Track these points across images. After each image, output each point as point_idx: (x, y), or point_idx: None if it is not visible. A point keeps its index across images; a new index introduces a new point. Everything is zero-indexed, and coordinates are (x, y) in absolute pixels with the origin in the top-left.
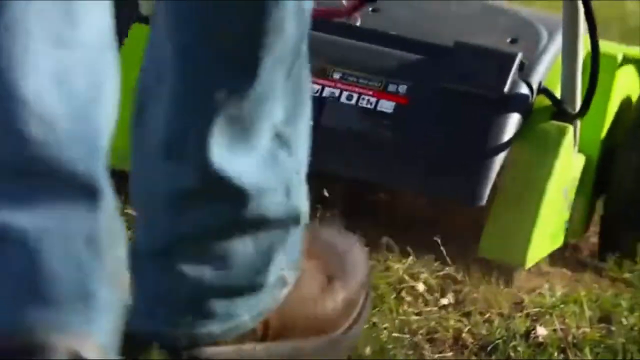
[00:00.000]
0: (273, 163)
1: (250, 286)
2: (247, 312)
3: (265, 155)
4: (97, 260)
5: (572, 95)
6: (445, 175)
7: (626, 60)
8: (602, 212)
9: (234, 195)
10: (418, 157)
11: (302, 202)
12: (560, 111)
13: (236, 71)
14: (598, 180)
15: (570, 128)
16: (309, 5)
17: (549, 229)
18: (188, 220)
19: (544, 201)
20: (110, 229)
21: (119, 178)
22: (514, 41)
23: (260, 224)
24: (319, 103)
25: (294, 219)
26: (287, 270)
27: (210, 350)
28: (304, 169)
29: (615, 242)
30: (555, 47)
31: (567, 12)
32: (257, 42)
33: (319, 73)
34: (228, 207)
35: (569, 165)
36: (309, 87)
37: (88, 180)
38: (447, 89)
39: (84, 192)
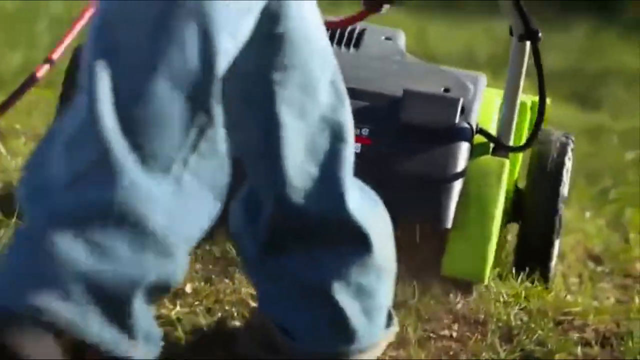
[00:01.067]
0: (171, 194)
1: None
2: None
3: (167, 184)
4: None
5: (508, 133)
6: (413, 203)
7: (533, 105)
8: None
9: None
10: (387, 189)
11: (179, 252)
12: (498, 147)
13: None
14: (512, 210)
15: (507, 162)
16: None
17: (494, 248)
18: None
19: (494, 225)
20: None
21: None
22: (447, 90)
23: (137, 230)
24: None
25: (166, 258)
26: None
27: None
28: (197, 227)
29: (527, 258)
30: (479, 96)
31: (515, 61)
32: None
33: None
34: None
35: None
36: None
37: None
38: (403, 126)
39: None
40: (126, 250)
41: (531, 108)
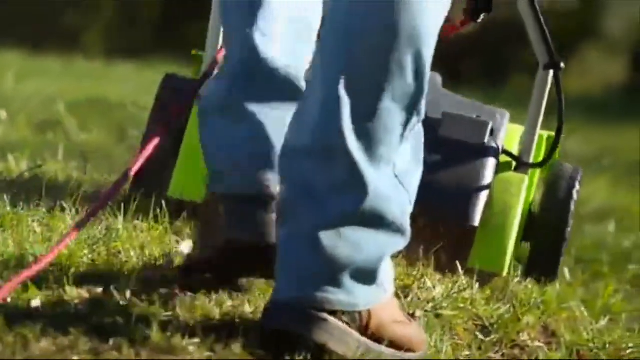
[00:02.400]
0: (396, 186)
1: (369, 274)
2: (361, 296)
3: (392, 179)
4: None
5: (529, 153)
6: (448, 204)
7: (548, 139)
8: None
9: (365, 190)
10: (427, 193)
11: (407, 228)
12: (520, 165)
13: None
14: (526, 230)
15: (526, 177)
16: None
17: (513, 247)
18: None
19: (514, 227)
20: None
21: None
22: (478, 117)
23: (380, 220)
24: None
25: (402, 234)
26: (386, 281)
27: (330, 317)
28: (411, 208)
29: (537, 267)
30: (504, 125)
31: (539, 88)
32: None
33: None
34: (359, 200)
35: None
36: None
37: None
38: (442, 141)
39: None
40: (371, 239)
41: (546, 140)
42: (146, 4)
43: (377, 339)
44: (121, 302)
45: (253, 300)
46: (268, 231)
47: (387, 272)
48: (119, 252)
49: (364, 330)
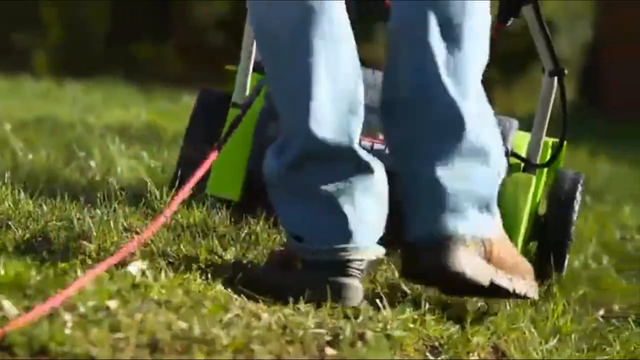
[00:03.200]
0: (486, 123)
1: (484, 204)
2: (480, 224)
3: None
4: None
5: (536, 154)
6: None
7: (553, 145)
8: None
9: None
10: None
11: (504, 168)
12: (528, 166)
13: None
14: (534, 230)
15: (534, 177)
16: None
17: (523, 239)
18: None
19: (523, 220)
20: None
21: None
22: None
23: (485, 155)
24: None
25: (501, 168)
26: (497, 215)
27: (461, 248)
28: (499, 138)
29: (545, 263)
30: (513, 131)
31: (544, 94)
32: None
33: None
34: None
35: (531, 202)
36: None
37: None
38: None
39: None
40: (479, 172)
41: (551, 147)
42: (95, 24)
43: (498, 267)
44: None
45: None
46: (345, 295)
47: (495, 206)
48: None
49: (488, 258)
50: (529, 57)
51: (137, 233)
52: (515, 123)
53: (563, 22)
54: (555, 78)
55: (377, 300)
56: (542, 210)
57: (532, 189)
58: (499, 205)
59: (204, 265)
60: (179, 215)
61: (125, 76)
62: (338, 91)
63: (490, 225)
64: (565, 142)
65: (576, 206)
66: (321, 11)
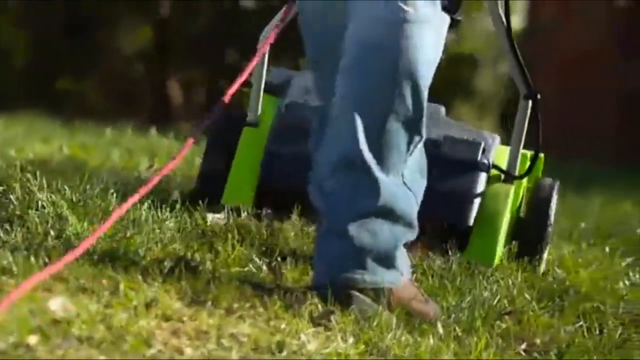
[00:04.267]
0: (404, 190)
1: (387, 259)
2: (383, 276)
3: (401, 184)
4: None
5: (514, 167)
6: (447, 207)
7: (530, 157)
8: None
9: (379, 193)
10: (430, 198)
11: (415, 223)
12: (507, 177)
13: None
14: (515, 231)
15: (512, 187)
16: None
17: (502, 244)
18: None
19: (502, 228)
20: None
21: None
22: (473, 139)
23: (392, 215)
24: None
25: (411, 228)
26: (402, 266)
27: (357, 294)
28: (417, 208)
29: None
30: (494, 146)
31: (520, 115)
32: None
33: None
34: (375, 200)
35: (511, 210)
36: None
37: None
38: (445, 156)
39: None
40: (387, 230)
41: (529, 158)
42: (15, 57)
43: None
44: None
45: None
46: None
47: (403, 260)
48: None
49: (388, 306)
50: (455, 92)
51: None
52: (497, 139)
53: (485, 57)
54: (530, 101)
55: (302, 335)
56: (522, 214)
57: (510, 198)
58: (482, 209)
59: (126, 299)
60: (100, 247)
61: (47, 110)
62: None
63: (390, 277)
64: (542, 155)
65: (552, 210)
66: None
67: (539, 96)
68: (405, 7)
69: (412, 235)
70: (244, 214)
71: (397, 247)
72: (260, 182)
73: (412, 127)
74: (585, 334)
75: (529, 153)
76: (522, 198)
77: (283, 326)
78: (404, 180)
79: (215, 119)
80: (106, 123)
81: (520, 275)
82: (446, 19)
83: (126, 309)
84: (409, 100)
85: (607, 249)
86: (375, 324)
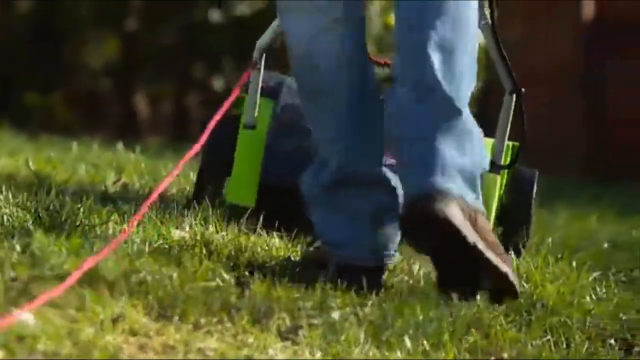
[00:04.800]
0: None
1: (472, 182)
2: (470, 196)
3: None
4: None
5: (499, 158)
6: None
7: (512, 147)
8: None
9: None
10: None
11: (486, 164)
12: (493, 167)
13: None
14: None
15: (499, 177)
16: None
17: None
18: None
19: (492, 213)
20: None
21: None
22: None
23: (470, 136)
24: None
25: (483, 160)
26: (479, 197)
27: (451, 201)
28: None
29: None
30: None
31: (505, 109)
32: None
33: None
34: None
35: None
36: None
37: None
38: None
39: None
40: (469, 150)
41: (511, 149)
42: None
43: (482, 238)
44: None
45: None
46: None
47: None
48: None
49: (474, 225)
50: None
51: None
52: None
53: None
54: (514, 95)
55: (270, 349)
56: (505, 204)
57: (497, 186)
58: None
59: (92, 313)
60: (67, 265)
61: (13, 124)
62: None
63: (475, 201)
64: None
65: (532, 198)
66: (350, 62)
67: (523, 90)
68: None
69: (485, 165)
70: (211, 228)
71: (479, 170)
72: (260, 183)
73: (473, 70)
74: (552, 348)
75: (510, 143)
76: (504, 187)
77: (250, 340)
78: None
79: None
80: (72, 137)
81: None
82: None
83: (93, 324)
84: (471, 49)
85: (574, 263)
86: (343, 338)
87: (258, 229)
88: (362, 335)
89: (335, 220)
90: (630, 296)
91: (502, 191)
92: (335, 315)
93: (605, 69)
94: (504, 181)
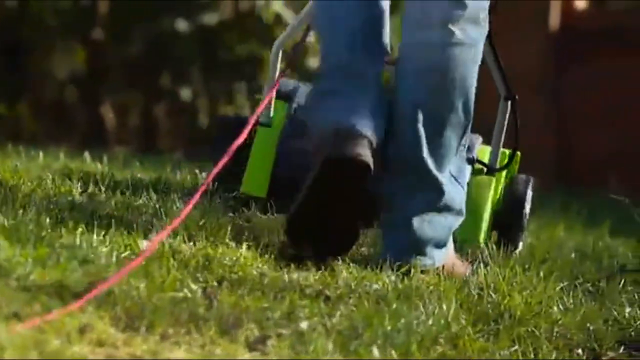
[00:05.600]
0: (455, 183)
1: (442, 243)
2: (438, 258)
3: (451, 178)
4: None
5: (495, 161)
6: None
7: (508, 154)
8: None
9: (439, 190)
10: None
11: (463, 210)
12: (489, 170)
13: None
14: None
15: (494, 179)
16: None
17: (486, 227)
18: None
19: (486, 212)
20: None
21: None
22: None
23: (449, 209)
24: None
25: (461, 215)
26: (449, 242)
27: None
28: (464, 196)
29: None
30: (478, 144)
31: (501, 114)
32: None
33: None
34: (435, 197)
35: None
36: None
37: None
38: None
39: None
40: (444, 222)
41: (506, 156)
42: None
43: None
44: None
45: None
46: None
47: (450, 238)
48: None
49: (450, 272)
50: None
51: None
52: (480, 139)
53: None
54: (509, 102)
55: None
56: (500, 208)
57: (492, 188)
58: (468, 196)
59: (59, 324)
60: (33, 276)
61: None
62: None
63: (442, 256)
64: (518, 152)
65: (527, 202)
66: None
67: (517, 97)
68: (456, 32)
69: (461, 219)
70: (178, 238)
71: (450, 232)
72: (273, 176)
73: (461, 132)
74: (520, 358)
75: (506, 151)
76: (501, 194)
77: (218, 351)
78: (452, 174)
79: (221, 123)
80: (39, 147)
81: (455, 299)
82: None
83: (59, 335)
84: (462, 110)
85: (541, 274)
86: (311, 348)
87: (227, 240)
88: (330, 346)
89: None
90: (597, 306)
91: (498, 196)
92: (304, 325)
93: (570, 76)
94: (501, 186)
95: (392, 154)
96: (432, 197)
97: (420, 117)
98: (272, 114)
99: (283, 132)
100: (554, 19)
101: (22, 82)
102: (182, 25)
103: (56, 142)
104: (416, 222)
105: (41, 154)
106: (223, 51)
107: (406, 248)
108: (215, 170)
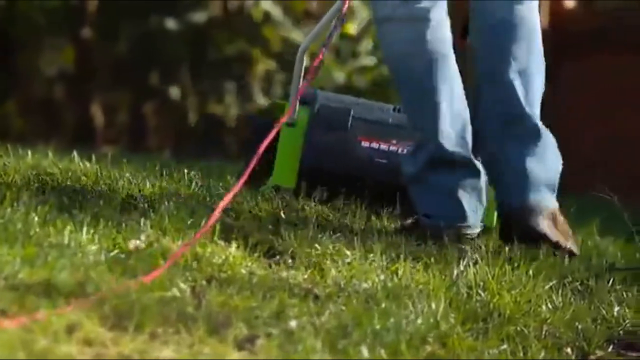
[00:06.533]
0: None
1: (552, 186)
2: (552, 200)
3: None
4: None
5: None
6: None
7: None
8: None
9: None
10: None
11: (560, 157)
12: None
13: None
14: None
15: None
16: None
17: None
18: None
19: (496, 213)
20: None
21: None
22: None
23: (552, 148)
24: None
25: (559, 159)
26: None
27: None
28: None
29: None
30: None
31: None
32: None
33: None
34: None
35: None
36: None
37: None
38: None
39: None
40: (549, 162)
41: None
42: None
43: (558, 230)
44: None
45: None
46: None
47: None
48: None
49: (555, 224)
50: None
51: None
52: None
53: None
54: None
55: None
56: None
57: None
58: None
59: (47, 323)
60: (22, 275)
61: None
62: (454, 116)
63: (554, 201)
64: None
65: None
66: (446, 58)
67: None
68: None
69: (560, 163)
70: (167, 237)
71: (556, 176)
72: (300, 168)
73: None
74: (509, 356)
75: None
76: None
77: (207, 351)
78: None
79: (250, 123)
80: (27, 146)
81: (444, 298)
82: None
83: (47, 334)
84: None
85: (530, 272)
86: (300, 348)
87: (215, 239)
88: (319, 345)
89: (427, 194)
90: (586, 305)
91: None
92: (293, 324)
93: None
94: None
95: (494, 111)
96: (536, 144)
97: (511, 69)
98: (295, 115)
99: (308, 129)
100: (543, 18)
101: (11, 80)
102: (170, 23)
103: (44, 140)
104: (528, 160)
105: (29, 152)
106: (212, 50)
107: (526, 187)
108: (248, 170)
